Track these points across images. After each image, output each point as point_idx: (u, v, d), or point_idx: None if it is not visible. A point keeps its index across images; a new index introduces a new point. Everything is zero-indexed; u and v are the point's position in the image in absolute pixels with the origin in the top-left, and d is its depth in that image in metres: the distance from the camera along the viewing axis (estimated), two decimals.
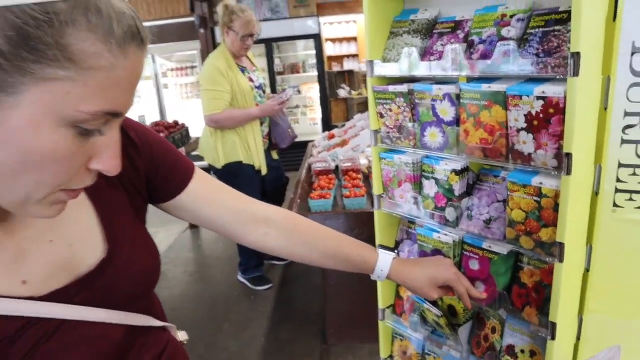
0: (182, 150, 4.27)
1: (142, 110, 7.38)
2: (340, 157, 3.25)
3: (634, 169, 0.91)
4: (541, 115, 0.94)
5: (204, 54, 6.65)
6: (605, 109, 0.88)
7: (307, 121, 7.75)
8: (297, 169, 3.84)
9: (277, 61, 7.26)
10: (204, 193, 0.90)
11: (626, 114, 0.87)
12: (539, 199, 0.99)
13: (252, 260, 3.59)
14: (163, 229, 5.14)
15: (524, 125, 0.97)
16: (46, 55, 0.46)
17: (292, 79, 7.59)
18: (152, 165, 0.81)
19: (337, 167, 3.19)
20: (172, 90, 7.62)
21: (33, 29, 0.45)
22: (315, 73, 7.16)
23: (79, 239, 0.70)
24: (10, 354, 0.60)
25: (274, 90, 6.78)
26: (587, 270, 0.99)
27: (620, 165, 0.92)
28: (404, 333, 1.42)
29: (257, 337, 2.97)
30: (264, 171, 3.32)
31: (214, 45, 6.53)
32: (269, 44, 6.81)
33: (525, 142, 0.98)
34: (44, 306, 0.63)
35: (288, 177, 3.78)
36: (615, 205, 0.94)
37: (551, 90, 0.91)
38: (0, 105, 0.47)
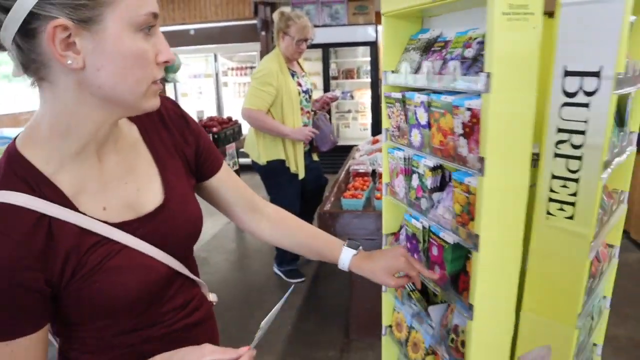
0: (233, 145, 4.51)
1: (202, 105, 7.75)
2: (379, 162, 3.36)
3: (565, 182, 1.00)
4: (470, 124, 1.07)
5: (264, 56, 6.89)
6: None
7: (357, 126, 7.86)
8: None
9: (333, 66, 7.41)
10: (228, 180, 1.12)
11: (559, 130, 0.97)
12: (468, 196, 1.12)
13: (287, 253, 3.72)
14: (210, 219, 5.41)
15: (462, 132, 1.11)
16: None
17: (346, 84, 7.73)
18: (198, 148, 1.02)
19: (374, 171, 3.31)
20: (231, 89, 7.94)
21: None
22: (369, 80, 7.26)
23: (144, 186, 0.90)
24: (85, 262, 0.77)
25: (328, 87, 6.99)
26: (524, 270, 1.10)
27: (553, 176, 1.02)
28: (399, 307, 1.57)
29: (284, 326, 3.13)
30: (301, 175, 3.46)
31: (274, 48, 6.78)
32: (326, 49, 6.97)
33: (462, 147, 1.12)
34: (115, 231, 0.81)
35: (327, 179, 3.91)
36: (548, 213, 1.04)
37: (475, 103, 1.04)
38: (97, 33, 0.69)
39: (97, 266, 0.78)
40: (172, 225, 0.92)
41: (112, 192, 0.85)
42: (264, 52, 6.93)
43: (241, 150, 4.84)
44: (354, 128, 7.86)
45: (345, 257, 1.15)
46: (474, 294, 1.12)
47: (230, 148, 4.46)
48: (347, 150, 4.79)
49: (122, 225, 0.83)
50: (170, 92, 8.01)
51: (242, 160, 5.37)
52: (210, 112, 7.68)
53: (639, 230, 4.01)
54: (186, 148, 0.99)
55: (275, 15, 3.30)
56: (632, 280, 3.46)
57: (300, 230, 1.21)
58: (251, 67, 7.73)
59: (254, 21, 6.93)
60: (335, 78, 7.52)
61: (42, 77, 0.72)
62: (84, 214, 0.79)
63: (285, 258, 3.80)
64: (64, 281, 0.77)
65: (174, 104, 1.01)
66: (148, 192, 0.90)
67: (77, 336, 0.89)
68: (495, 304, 1.14)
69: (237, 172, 4.95)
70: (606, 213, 1.13)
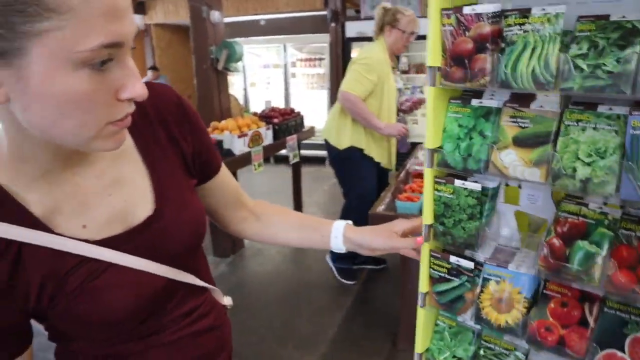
0: (294, 137, 4.45)
1: (270, 95, 7.80)
2: None
3: None
4: None
5: (333, 47, 6.82)
6: None
7: (425, 123, 7.59)
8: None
9: (404, 59, 7.20)
10: (225, 182, 1.04)
11: None
12: None
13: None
14: None
15: None
16: (29, 12, 0.52)
17: (416, 79, 7.48)
18: (197, 147, 0.92)
19: None
20: (299, 80, 7.92)
21: None
22: None
23: (132, 196, 0.80)
24: (65, 285, 0.70)
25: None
26: None
27: None
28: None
29: (331, 326, 3.04)
30: (389, 165, 3.46)
31: (343, 40, 6.67)
32: None
33: None
34: (97, 249, 0.72)
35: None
36: None
37: None
38: (19, 69, 0.55)
39: (78, 288, 0.71)
40: (168, 234, 0.83)
41: (93, 208, 0.76)
42: (333, 44, 6.83)
43: (303, 142, 4.82)
44: (422, 125, 7.59)
45: (338, 229, 1.07)
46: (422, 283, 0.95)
47: (292, 140, 4.40)
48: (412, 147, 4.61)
49: (106, 242, 0.75)
50: (239, 82, 8.11)
51: (304, 152, 5.33)
52: (278, 102, 7.71)
53: None
54: (185, 145, 0.89)
55: (379, 11, 3.24)
56: None
57: (285, 213, 1.13)
58: (320, 59, 7.66)
59: (324, 12, 6.83)
60: (405, 72, 7.29)
61: None
62: (62, 234, 0.71)
63: (345, 254, 3.65)
64: (44, 306, 0.71)
65: (176, 97, 0.90)
66: (137, 202, 0.81)
67: (74, 347, 0.84)
68: None
69: (298, 164, 4.89)
70: None
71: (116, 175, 0.79)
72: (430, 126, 1.13)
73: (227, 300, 1.07)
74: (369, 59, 3.10)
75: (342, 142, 3.28)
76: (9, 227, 0.66)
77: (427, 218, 1.18)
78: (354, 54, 3.45)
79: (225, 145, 3.55)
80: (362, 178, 3.32)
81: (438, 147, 1.15)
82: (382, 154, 3.35)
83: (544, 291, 1.19)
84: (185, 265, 0.87)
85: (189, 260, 0.90)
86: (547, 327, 1.17)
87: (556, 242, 1.13)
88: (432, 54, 1.06)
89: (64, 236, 0.71)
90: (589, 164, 1.04)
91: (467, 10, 1.03)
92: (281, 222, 1.12)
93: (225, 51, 3.82)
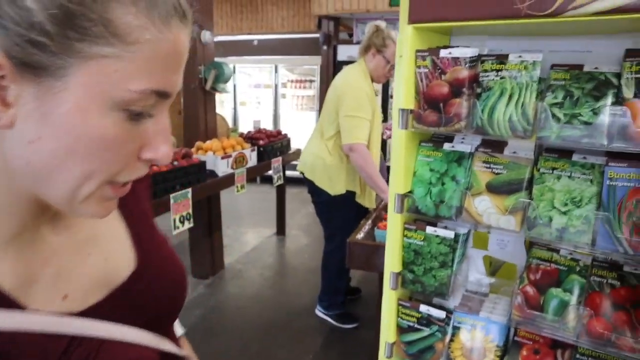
0: (279, 159, 4.43)
1: (260, 115, 7.81)
2: None
3: None
4: None
5: (324, 70, 6.86)
6: None
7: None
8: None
9: (393, 84, 7.23)
10: None
11: None
12: None
13: (339, 296, 3.36)
14: (252, 230, 5.37)
15: None
16: (92, 32, 0.45)
17: None
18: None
19: None
20: (288, 100, 7.94)
21: (76, 5, 0.43)
22: None
23: (112, 252, 0.69)
24: None
25: (385, 116, 6.78)
26: None
27: None
28: None
29: (307, 353, 2.99)
30: (373, 205, 3.12)
31: (335, 63, 6.70)
32: None
33: None
34: (86, 322, 0.60)
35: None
36: None
37: None
38: (48, 90, 0.46)
39: None
40: (153, 291, 0.72)
41: (72, 272, 0.63)
42: (324, 66, 6.86)
43: (291, 163, 4.80)
44: None
45: None
46: None
47: (277, 162, 4.38)
48: None
49: (90, 312, 0.62)
50: (229, 101, 8.11)
51: (290, 173, 5.30)
52: (267, 122, 7.72)
53: None
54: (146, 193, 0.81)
55: (369, 28, 2.93)
56: None
57: None
58: (311, 81, 7.70)
59: (317, 35, 6.88)
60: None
61: None
62: (39, 310, 0.58)
63: (336, 300, 3.35)
64: None
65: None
66: (118, 259, 0.69)
67: None
68: None
69: (282, 186, 4.87)
70: None
71: (94, 229, 0.67)
72: (399, 170, 1.09)
73: None
74: (355, 97, 2.83)
75: (336, 189, 3.02)
76: None
77: (395, 265, 1.15)
78: (337, 79, 3.12)
79: (209, 166, 3.51)
80: (351, 221, 2.96)
81: (408, 192, 1.12)
82: (371, 199, 3.13)
83: (515, 338, 1.17)
84: (167, 331, 0.77)
85: (170, 324, 0.80)
86: None
87: (530, 290, 1.11)
88: (405, 96, 1.04)
89: (44, 312, 0.58)
90: (565, 213, 1.03)
91: (443, 53, 1.02)
92: None
93: (214, 71, 3.81)
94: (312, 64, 7.44)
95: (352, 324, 3.33)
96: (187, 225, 3.11)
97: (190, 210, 3.12)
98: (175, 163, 3.13)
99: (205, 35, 3.82)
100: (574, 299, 1.06)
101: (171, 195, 2.94)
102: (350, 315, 3.37)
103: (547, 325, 1.06)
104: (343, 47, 6.70)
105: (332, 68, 6.76)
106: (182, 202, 3.04)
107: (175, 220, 3.00)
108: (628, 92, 0.94)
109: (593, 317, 1.02)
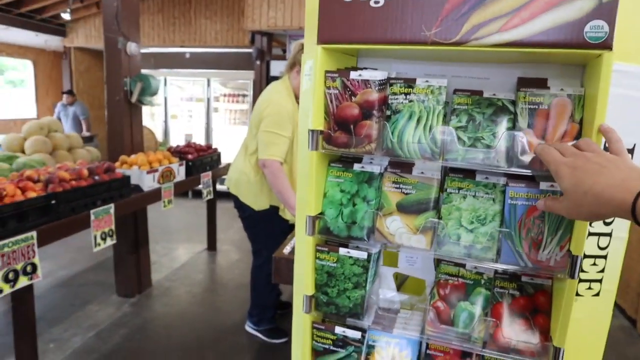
0: (209, 174, 4.36)
1: (191, 129, 7.66)
2: None
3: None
4: None
5: (257, 85, 6.85)
6: None
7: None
8: None
9: None
10: None
11: None
12: None
13: (269, 311, 3.34)
14: (182, 246, 5.23)
15: None
16: None
17: None
18: None
19: None
20: (221, 114, 7.85)
21: None
22: None
23: None
24: None
25: None
26: None
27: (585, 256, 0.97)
28: None
29: None
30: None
31: (267, 78, 6.72)
32: None
33: None
34: None
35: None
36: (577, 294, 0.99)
37: None
38: None
39: None
40: None
41: None
42: (256, 81, 6.86)
43: (222, 177, 4.73)
44: None
45: None
46: None
47: (206, 177, 4.30)
48: None
49: None
50: (160, 114, 7.90)
51: (221, 188, 5.22)
52: (199, 135, 7.59)
53: (623, 295, 3.83)
54: None
55: (295, 46, 2.91)
56: (615, 350, 3.25)
57: None
58: (243, 95, 7.66)
59: (250, 50, 6.88)
60: None
61: None
62: None
63: (266, 315, 3.34)
64: None
65: None
66: None
67: None
68: None
69: (213, 200, 4.78)
70: None
71: None
72: (311, 192, 1.09)
73: None
74: (276, 114, 2.81)
75: (260, 204, 3.02)
76: None
77: (308, 288, 1.14)
78: (261, 96, 3.09)
79: (133, 181, 3.39)
80: (277, 236, 2.95)
81: (319, 214, 1.12)
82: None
83: (428, 351, 1.19)
84: None
85: None
86: None
87: (441, 305, 1.14)
88: (314, 117, 1.05)
89: None
90: (471, 231, 1.07)
91: (353, 75, 1.04)
92: None
93: (140, 84, 3.70)
94: (246, 79, 7.43)
95: (282, 338, 3.31)
96: (110, 242, 2.98)
97: (113, 227, 2.99)
98: (97, 177, 2.99)
99: (131, 47, 3.71)
100: (480, 310, 1.10)
101: (92, 211, 2.81)
102: (281, 330, 3.34)
103: (457, 338, 1.10)
104: (276, 63, 6.74)
105: (265, 83, 6.77)
106: (103, 218, 2.91)
107: (97, 237, 2.86)
108: (523, 122, 1.00)
109: (498, 326, 1.07)
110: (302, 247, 1.12)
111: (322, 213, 1.12)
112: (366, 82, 1.04)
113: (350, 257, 1.12)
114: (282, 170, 2.83)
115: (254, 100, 7.21)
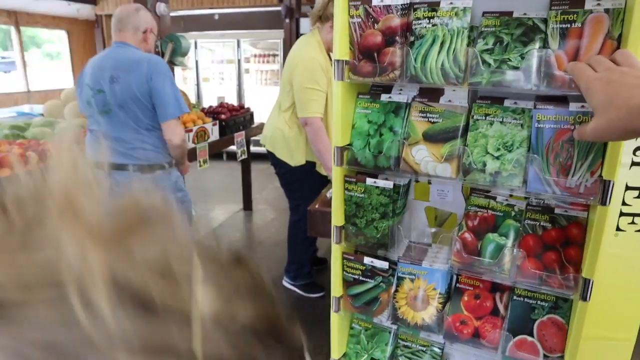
0: (242, 134, 4.39)
1: (224, 91, 7.69)
2: None
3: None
4: None
5: (287, 44, 6.77)
6: None
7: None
8: None
9: None
10: None
11: None
12: None
13: (306, 266, 3.38)
14: (218, 207, 5.34)
15: None
16: None
17: None
18: None
19: None
20: (252, 76, 7.83)
21: None
22: None
23: None
24: None
25: None
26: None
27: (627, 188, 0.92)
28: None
29: None
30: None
31: (297, 36, 6.63)
32: None
33: None
34: None
35: None
36: (618, 229, 0.94)
37: None
38: None
39: None
40: None
41: None
42: (287, 40, 6.78)
43: (253, 138, 4.76)
44: None
45: None
46: None
47: (239, 136, 4.34)
48: None
49: None
50: (191, 78, 7.95)
51: (255, 149, 5.26)
52: (231, 97, 7.62)
53: None
54: None
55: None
56: None
57: None
58: (274, 55, 7.60)
59: (278, 8, 6.78)
60: None
61: None
62: None
63: (304, 271, 3.37)
64: None
65: None
66: None
67: None
68: None
69: (247, 160, 4.83)
70: None
71: None
72: (338, 123, 1.09)
73: None
74: (310, 68, 2.74)
75: (297, 160, 3.01)
76: None
77: (338, 219, 1.16)
78: (291, 51, 3.02)
79: None
80: (314, 191, 2.86)
81: (347, 145, 1.12)
82: None
83: (457, 285, 1.20)
84: None
85: None
86: (462, 320, 1.18)
87: (468, 236, 1.14)
88: (339, 47, 1.04)
89: None
90: (497, 158, 1.05)
91: (375, 2, 1.02)
92: None
93: (171, 45, 3.72)
94: (275, 38, 7.34)
95: (318, 293, 3.36)
96: None
97: None
98: None
99: (160, 7, 3.71)
100: (509, 242, 1.09)
101: None
102: (317, 285, 3.39)
103: (485, 269, 1.10)
104: (305, 20, 6.62)
105: (295, 41, 6.69)
106: None
107: None
108: (553, 43, 0.96)
109: (526, 258, 1.06)
110: (334, 178, 1.14)
111: (350, 144, 1.13)
112: (388, 8, 1.02)
113: (377, 187, 1.12)
114: (323, 128, 2.79)
115: (284, 60, 7.14)
